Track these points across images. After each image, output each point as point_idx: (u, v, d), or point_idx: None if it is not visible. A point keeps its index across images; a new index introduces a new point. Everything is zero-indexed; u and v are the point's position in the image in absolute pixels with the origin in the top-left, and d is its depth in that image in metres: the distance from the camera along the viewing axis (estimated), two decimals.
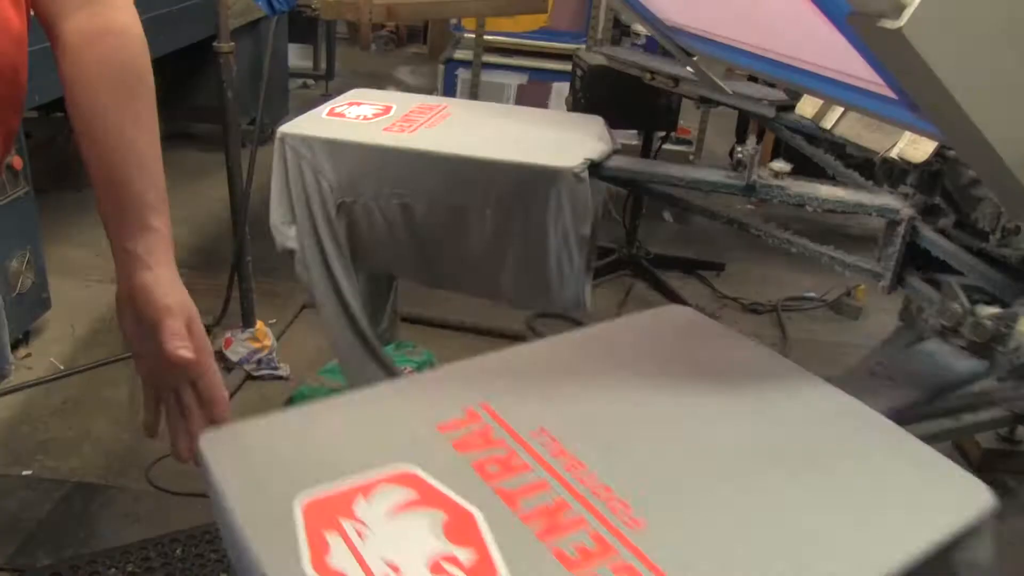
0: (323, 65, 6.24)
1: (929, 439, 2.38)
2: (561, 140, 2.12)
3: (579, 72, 4.21)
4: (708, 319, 1.27)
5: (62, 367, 2.70)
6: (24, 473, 2.24)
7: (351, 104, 2.34)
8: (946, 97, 0.77)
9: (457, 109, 2.36)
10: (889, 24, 0.69)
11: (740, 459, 0.91)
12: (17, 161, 2.54)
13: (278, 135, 2.05)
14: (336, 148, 2.03)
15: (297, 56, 6.19)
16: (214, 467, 0.84)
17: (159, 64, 3.70)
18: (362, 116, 2.24)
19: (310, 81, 6.38)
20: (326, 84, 6.22)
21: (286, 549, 0.73)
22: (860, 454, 0.95)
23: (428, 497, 0.80)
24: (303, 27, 5.73)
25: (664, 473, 0.87)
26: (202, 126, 4.71)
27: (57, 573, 1.90)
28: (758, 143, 3.78)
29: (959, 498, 0.88)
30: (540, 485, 0.82)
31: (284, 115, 5.27)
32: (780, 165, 1.83)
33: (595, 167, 1.94)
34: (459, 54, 5.13)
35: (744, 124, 4.68)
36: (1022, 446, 2.60)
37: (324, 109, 2.28)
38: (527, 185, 1.90)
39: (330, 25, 6.05)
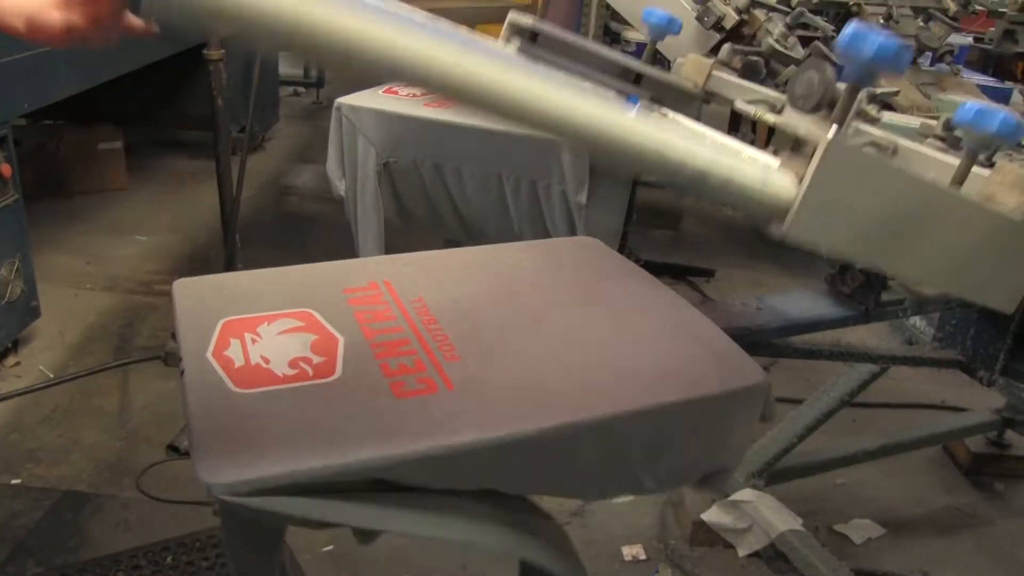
0: (314, 73, 6.23)
1: (920, 443, 2.41)
2: None
3: None
4: (611, 250, 1.46)
5: (51, 375, 2.70)
6: (13, 482, 2.23)
7: (407, 84, 2.61)
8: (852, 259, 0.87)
9: None
10: (775, 230, 0.84)
11: (559, 332, 1.16)
12: (6, 168, 2.53)
13: (336, 105, 2.58)
14: (381, 117, 2.51)
15: (288, 64, 6.18)
16: (177, 300, 1.15)
17: (149, 71, 3.70)
18: (411, 94, 2.66)
19: (301, 89, 6.38)
20: (317, 92, 6.22)
21: (201, 344, 1.05)
22: (662, 329, 1.20)
23: (312, 327, 1.11)
24: None
25: (495, 334, 1.14)
26: (192, 134, 4.71)
27: None
28: (752, 132, 3.82)
29: (729, 372, 1.09)
30: (397, 329, 1.12)
31: (275, 123, 5.27)
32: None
33: None
34: None
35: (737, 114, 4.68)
36: (1011, 450, 2.62)
37: (381, 88, 2.72)
38: (534, 153, 2.25)
39: None
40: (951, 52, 2.52)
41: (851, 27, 0.85)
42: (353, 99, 2.59)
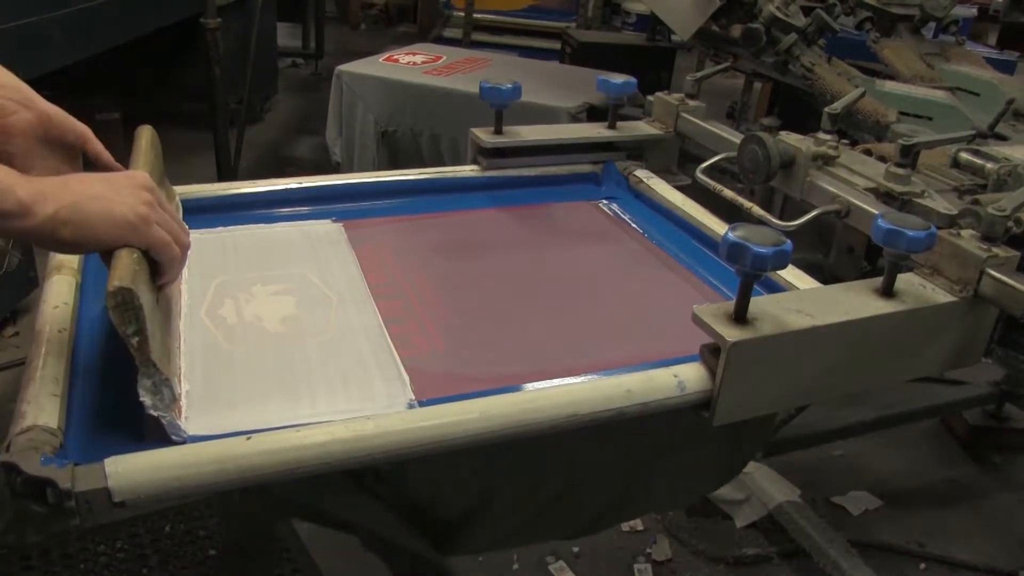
0: (312, 44, 6.19)
1: (918, 415, 2.41)
2: (575, 89, 2.49)
3: (568, 50, 4.20)
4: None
5: None
6: None
7: (408, 53, 2.85)
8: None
9: (499, 62, 2.89)
10: (705, 415, 0.89)
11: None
12: None
13: (336, 72, 2.65)
14: (382, 84, 2.56)
15: (286, 36, 6.14)
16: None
17: (147, 41, 3.67)
18: (412, 62, 2.73)
19: (299, 60, 6.33)
20: (316, 63, 6.17)
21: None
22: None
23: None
24: (292, 5, 5.68)
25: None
26: (190, 105, 4.67)
27: (47, 550, 1.90)
28: (751, 118, 3.79)
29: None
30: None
31: (273, 94, 5.24)
32: (770, 120, 1.89)
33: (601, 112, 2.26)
34: (448, 33, 5.10)
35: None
36: (1009, 423, 2.62)
37: (383, 56, 2.79)
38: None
39: (319, 3, 6.01)
40: (956, 23, 2.49)
41: (885, 225, 0.91)
42: (354, 66, 2.62)
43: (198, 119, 4.36)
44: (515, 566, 2.03)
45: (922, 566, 2.17)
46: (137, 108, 4.50)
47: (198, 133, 4.19)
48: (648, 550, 2.12)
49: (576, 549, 2.10)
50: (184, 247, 0.87)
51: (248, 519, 1.39)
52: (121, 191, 0.82)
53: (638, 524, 2.19)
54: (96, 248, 0.80)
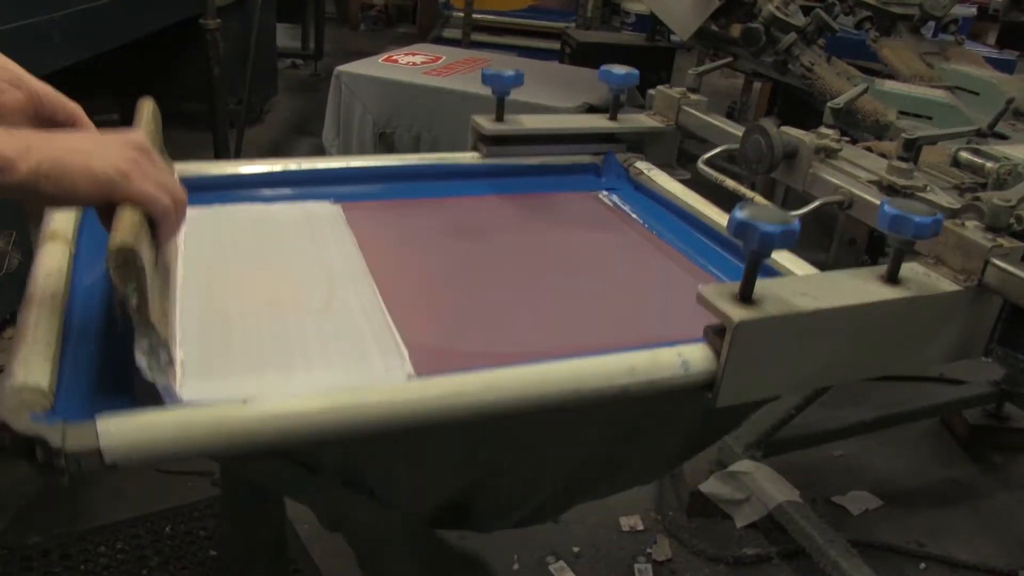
0: (312, 45, 6.19)
1: (918, 415, 2.41)
2: (574, 89, 2.49)
3: (567, 50, 4.20)
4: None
5: None
6: None
7: (407, 54, 2.87)
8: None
9: (499, 61, 2.88)
10: (708, 399, 0.89)
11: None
12: None
13: (335, 73, 2.68)
14: (380, 85, 2.58)
15: (286, 36, 6.14)
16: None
17: (146, 42, 3.65)
18: (411, 63, 2.75)
19: (299, 61, 6.34)
20: (315, 64, 6.17)
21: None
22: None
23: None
24: (292, 5, 5.69)
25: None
26: (190, 105, 4.66)
27: (47, 551, 1.90)
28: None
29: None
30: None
31: (272, 95, 5.23)
32: (769, 120, 1.90)
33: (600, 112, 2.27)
34: (448, 33, 5.11)
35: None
36: (1009, 423, 2.62)
37: (382, 56, 2.82)
38: None
39: (319, 4, 6.01)
40: (955, 22, 2.49)
41: (891, 211, 0.90)
42: (353, 67, 2.63)
43: (198, 119, 4.35)
44: (515, 566, 2.03)
45: (922, 566, 2.16)
46: (136, 109, 4.50)
47: (198, 133, 4.19)
48: (648, 550, 2.11)
49: (576, 549, 2.09)
50: (179, 202, 0.84)
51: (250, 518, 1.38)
52: (107, 148, 0.80)
53: (638, 524, 2.19)
54: (77, 202, 0.79)
